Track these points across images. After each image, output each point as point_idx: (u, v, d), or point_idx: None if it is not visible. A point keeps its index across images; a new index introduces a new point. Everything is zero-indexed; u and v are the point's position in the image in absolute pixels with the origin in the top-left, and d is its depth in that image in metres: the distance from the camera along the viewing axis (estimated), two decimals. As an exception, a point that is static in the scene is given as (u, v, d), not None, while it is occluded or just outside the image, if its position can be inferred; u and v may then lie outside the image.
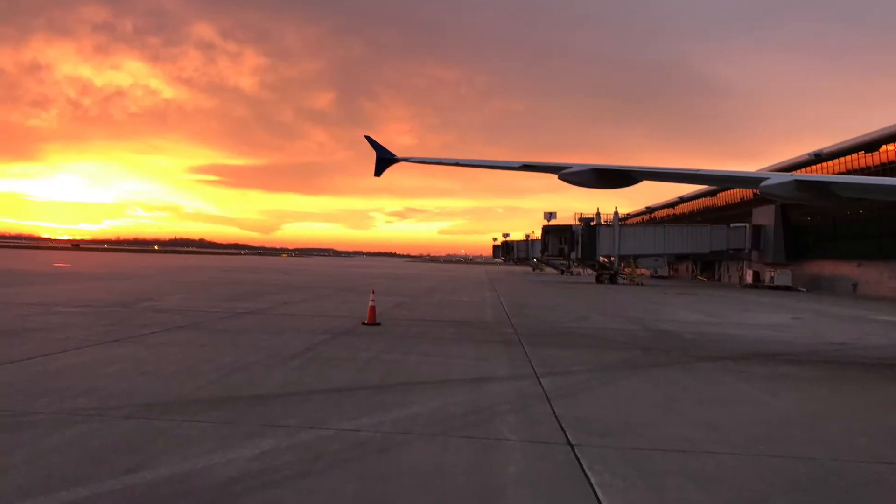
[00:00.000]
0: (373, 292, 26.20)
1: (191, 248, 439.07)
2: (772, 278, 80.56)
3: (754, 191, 59.53)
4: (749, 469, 8.59)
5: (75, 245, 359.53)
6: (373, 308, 24.19)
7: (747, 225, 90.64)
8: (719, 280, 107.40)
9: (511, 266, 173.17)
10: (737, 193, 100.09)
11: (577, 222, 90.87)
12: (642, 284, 79.12)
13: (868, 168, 66.15)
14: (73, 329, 19.93)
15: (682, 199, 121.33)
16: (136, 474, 7.49)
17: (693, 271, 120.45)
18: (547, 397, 12.45)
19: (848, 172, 67.32)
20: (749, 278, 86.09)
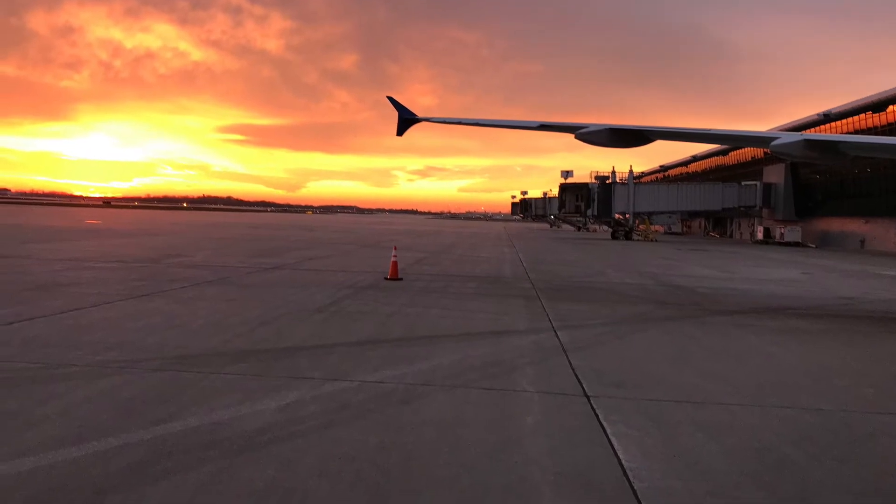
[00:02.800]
0: (395, 248, 26.17)
1: (218, 206, 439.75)
2: (782, 235, 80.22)
3: (765, 150, 59.13)
4: (759, 420, 8.55)
5: (107, 202, 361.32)
6: (395, 263, 24.16)
7: (758, 183, 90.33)
8: (731, 236, 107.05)
9: (529, 223, 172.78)
10: (748, 152, 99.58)
11: (594, 181, 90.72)
12: (656, 241, 78.89)
13: (876, 128, 65.74)
14: (104, 284, 19.98)
15: (695, 158, 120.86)
16: (165, 425, 7.49)
17: (705, 228, 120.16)
18: (564, 350, 12.41)
19: (856, 132, 66.92)
20: (760, 235, 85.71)
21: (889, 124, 64.37)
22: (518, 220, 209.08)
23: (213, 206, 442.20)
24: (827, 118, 72.29)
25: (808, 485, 6.47)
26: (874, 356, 13.53)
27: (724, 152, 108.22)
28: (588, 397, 9.16)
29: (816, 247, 74.01)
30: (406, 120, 23.48)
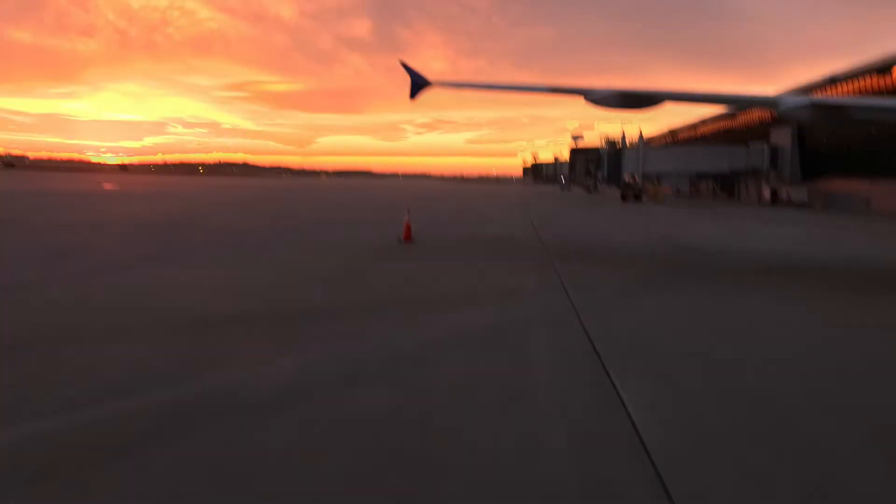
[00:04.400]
0: (408, 211, 26.06)
1: (234, 171, 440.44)
2: (788, 195, 79.93)
3: (772, 113, 58.32)
4: (765, 379, 8.45)
5: (123, 168, 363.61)
6: (408, 226, 24.09)
7: (765, 145, 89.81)
8: (738, 198, 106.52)
9: (540, 187, 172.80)
10: (755, 116, 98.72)
11: (603, 144, 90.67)
12: (665, 203, 78.70)
13: (882, 90, 65.14)
14: (121, 248, 20.00)
15: (704, 122, 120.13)
16: (182, 387, 7.45)
17: (714, 189, 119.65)
18: (576, 311, 12.28)
19: (862, 94, 66.34)
20: (767, 196, 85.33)
21: (895, 86, 63.79)
22: (529, 184, 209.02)
23: (228, 171, 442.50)
24: (833, 81, 71.73)
25: (816, 446, 6.41)
26: (878, 316, 13.42)
27: (731, 116, 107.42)
28: (600, 357, 9.05)
29: (823, 207, 73.65)
30: (418, 84, 23.33)
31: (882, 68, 64.86)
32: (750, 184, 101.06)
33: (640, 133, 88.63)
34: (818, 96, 64.88)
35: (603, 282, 16.13)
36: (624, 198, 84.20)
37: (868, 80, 66.90)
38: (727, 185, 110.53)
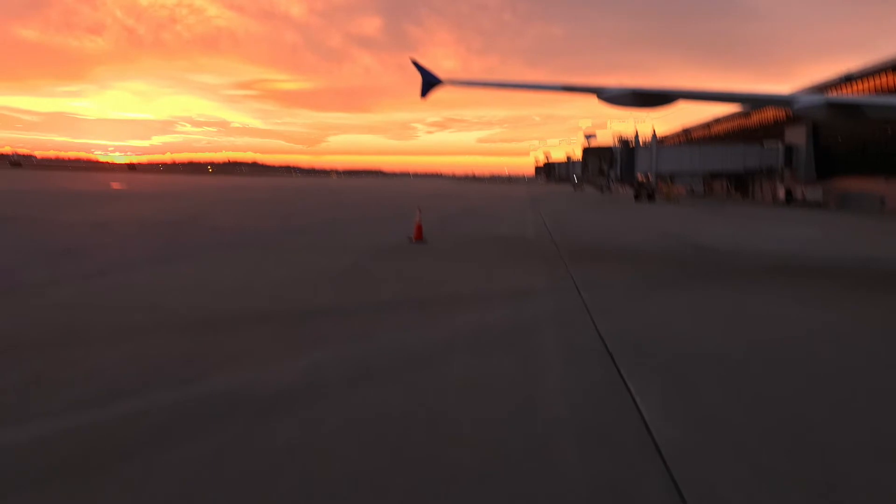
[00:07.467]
0: (419, 211, 26.05)
1: (243, 171, 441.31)
2: (803, 195, 79.71)
3: (786, 111, 58.24)
4: (776, 378, 8.44)
5: (131, 167, 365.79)
6: (420, 226, 24.07)
7: (780, 144, 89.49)
8: (753, 197, 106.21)
9: (552, 186, 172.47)
10: (770, 114, 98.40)
11: (616, 143, 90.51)
12: (678, 202, 78.50)
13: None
14: (129, 247, 20.02)
15: (718, 120, 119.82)
16: (190, 387, 7.44)
17: (728, 188, 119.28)
18: (588, 310, 12.27)
19: (878, 92, 66.01)
20: (781, 195, 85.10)
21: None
22: (542, 184, 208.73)
23: (237, 170, 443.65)
24: (849, 79, 71.47)
25: (827, 444, 6.38)
26: (892, 315, 13.37)
27: (746, 114, 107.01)
28: (611, 355, 9.06)
29: (837, 207, 73.38)
30: (429, 83, 23.29)
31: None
32: (764, 183, 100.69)
33: (654, 132, 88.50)
34: (833, 95, 64.66)
35: (614, 283, 16.11)
36: (637, 197, 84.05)
37: (884, 79, 66.53)
38: (741, 185, 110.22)
